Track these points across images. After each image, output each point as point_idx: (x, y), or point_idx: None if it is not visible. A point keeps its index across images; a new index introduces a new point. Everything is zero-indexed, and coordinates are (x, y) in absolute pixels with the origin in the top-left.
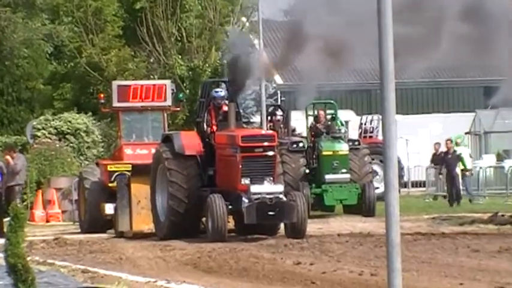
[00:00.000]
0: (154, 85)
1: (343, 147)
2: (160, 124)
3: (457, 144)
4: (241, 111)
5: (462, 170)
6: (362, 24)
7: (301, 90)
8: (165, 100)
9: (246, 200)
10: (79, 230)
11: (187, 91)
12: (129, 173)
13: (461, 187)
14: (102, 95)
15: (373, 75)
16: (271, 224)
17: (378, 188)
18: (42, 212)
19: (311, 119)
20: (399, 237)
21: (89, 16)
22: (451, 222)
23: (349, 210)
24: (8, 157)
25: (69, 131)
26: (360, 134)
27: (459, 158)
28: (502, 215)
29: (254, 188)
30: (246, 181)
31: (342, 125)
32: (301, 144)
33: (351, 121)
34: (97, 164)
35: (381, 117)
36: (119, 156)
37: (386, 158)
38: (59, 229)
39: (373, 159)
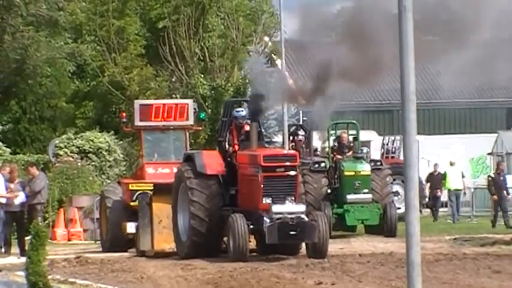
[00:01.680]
0: (176, 104)
1: (365, 168)
2: (182, 143)
3: (451, 164)
4: (263, 130)
5: (455, 190)
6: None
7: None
8: (187, 119)
9: (268, 220)
10: (100, 249)
11: (210, 110)
12: (150, 192)
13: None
14: (124, 114)
15: (395, 95)
16: (293, 243)
17: (399, 208)
18: (63, 230)
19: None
20: (419, 258)
21: (111, 35)
22: (472, 243)
23: (370, 230)
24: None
25: (91, 149)
26: (382, 154)
27: (505, 181)
28: None
29: (276, 208)
30: (267, 201)
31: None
32: (323, 164)
33: (373, 141)
34: (119, 182)
35: None
36: (141, 175)
37: (407, 178)
38: (81, 248)
39: (394, 180)
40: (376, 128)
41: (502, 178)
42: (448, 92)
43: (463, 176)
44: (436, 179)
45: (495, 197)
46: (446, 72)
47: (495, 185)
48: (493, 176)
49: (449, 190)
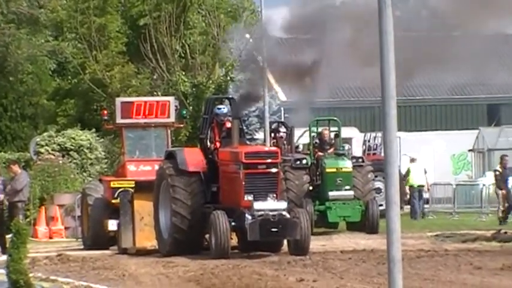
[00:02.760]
0: (157, 102)
1: (346, 164)
2: (164, 141)
3: (412, 161)
4: (244, 127)
5: (418, 186)
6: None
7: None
8: (168, 117)
9: (249, 217)
10: (82, 247)
11: (191, 108)
12: (132, 190)
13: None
14: (105, 112)
15: (376, 91)
16: (275, 240)
17: (381, 205)
18: (45, 228)
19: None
20: (400, 254)
21: (92, 32)
22: (454, 239)
23: (352, 227)
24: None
25: (72, 147)
26: (364, 151)
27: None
28: (505, 232)
29: (257, 205)
30: (249, 198)
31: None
32: (304, 161)
33: (354, 138)
34: (100, 180)
35: None
36: (122, 172)
37: (387, 175)
38: (62, 245)
39: (376, 176)
40: (357, 124)
41: (506, 172)
42: (429, 88)
43: (425, 172)
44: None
45: (503, 191)
46: (427, 69)
47: (502, 179)
48: (500, 170)
49: (411, 187)
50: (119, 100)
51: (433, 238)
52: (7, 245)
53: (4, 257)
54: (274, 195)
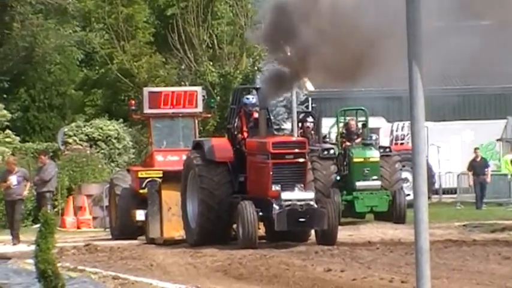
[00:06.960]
0: (185, 92)
1: (374, 154)
2: (191, 131)
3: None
4: (272, 117)
5: None
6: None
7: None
8: (196, 107)
9: (277, 207)
10: (110, 237)
11: (218, 98)
12: (160, 180)
13: None
14: (133, 102)
15: (404, 81)
16: (302, 230)
17: (408, 195)
18: (73, 218)
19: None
20: (428, 244)
21: (120, 23)
22: (482, 229)
23: (379, 217)
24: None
25: (100, 137)
26: (391, 141)
27: None
28: None
29: (285, 195)
30: (276, 188)
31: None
32: (332, 151)
33: (382, 128)
34: (128, 170)
35: None
36: (150, 162)
37: (415, 165)
38: (90, 235)
39: (403, 166)
40: (385, 114)
41: None
42: (458, 78)
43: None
44: (480, 165)
45: None
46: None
47: None
48: None
49: None
50: (146, 90)
51: (461, 228)
52: (19, 237)
53: (33, 247)
54: (302, 185)
